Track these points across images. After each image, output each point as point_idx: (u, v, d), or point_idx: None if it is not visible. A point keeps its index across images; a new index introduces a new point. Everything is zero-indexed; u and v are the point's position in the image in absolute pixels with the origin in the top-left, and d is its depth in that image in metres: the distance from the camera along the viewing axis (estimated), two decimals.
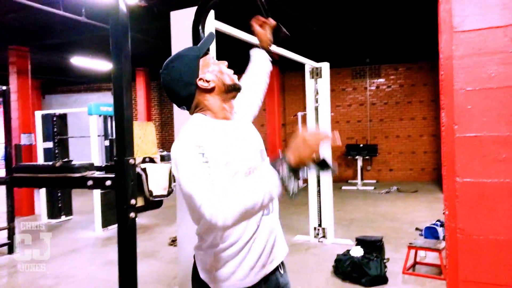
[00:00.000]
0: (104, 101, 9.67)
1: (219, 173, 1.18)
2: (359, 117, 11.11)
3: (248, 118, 1.66)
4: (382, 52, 9.99)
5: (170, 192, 1.76)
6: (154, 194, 1.65)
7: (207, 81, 1.36)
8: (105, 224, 6.15)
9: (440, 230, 4.88)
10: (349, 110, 11.17)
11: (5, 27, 6.88)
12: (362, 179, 10.09)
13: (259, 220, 1.32)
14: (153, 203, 1.70)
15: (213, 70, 1.38)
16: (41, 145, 7.00)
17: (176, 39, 2.38)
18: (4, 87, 5.04)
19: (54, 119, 7.09)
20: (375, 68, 10.93)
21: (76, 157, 7.95)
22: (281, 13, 5.82)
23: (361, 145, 10.38)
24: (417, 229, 5.55)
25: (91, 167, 1.61)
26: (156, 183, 1.66)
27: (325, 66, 5.17)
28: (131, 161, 1.36)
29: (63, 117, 7.27)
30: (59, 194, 7.13)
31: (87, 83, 12.92)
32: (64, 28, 6.58)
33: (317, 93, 5.18)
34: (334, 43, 8.36)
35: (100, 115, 6.37)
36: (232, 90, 1.41)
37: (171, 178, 1.77)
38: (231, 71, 1.42)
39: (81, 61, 8.81)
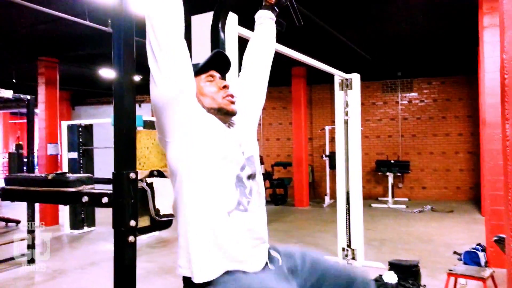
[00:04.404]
0: None
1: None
2: (390, 132, 10.68)
3: (252, 116, 1.56)
4: (414, 65, 9.61)
5: None
6: (161, 213, 1.44)
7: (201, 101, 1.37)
8: None
9: (481, 255, 4.47)
10: (380, 125, 10.77)
11: (35, 38, 6.97)
12: (393, 196, 9.63)
13: (231, 211, 1.23)
14: (160, 224, 1.49)
15: (209, 91, 1.39)
16: (66, 155, 7.00)
17: (196, 43, 2.26)
18: (28, 97, 5.01)
19: (80, 129, 7.09)
20: (407, 82, 10.54)
21: (102, 167, 7.96)
22: (309, 23, 5.62)
23: (392, 161, 9.93)
24: (455, 253, 5.12)
25: (88, 180, 1.42)
26: (164, 200, 1.46)
27: (355, 78, 4.91)
28: (132, 175, 1.16)
29: (88, 128, 7.28)
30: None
31: None
32: (91, 39, 6.59)
33: (346, 105, 4.91)
34: (364, 55, 8.08)
35: None
36: (225, 113, 1.38)
37: None
38: (230, 95, 1.40)
39: (109, 73, 8.86)
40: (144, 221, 1.39)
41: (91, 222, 7.32)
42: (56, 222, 7.78)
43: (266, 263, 1.28)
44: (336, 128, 5.02)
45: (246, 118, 1.49)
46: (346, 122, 4.93)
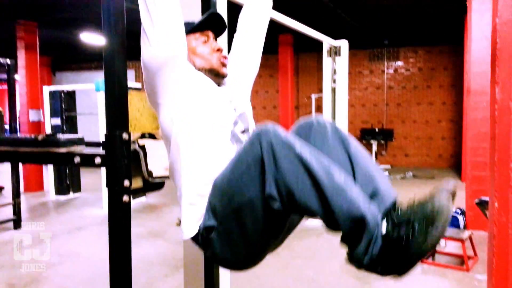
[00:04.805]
0: None
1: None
2: (375, 101, 10.76)
3: (245, 79, 1.55)
4: (401, 34, 9.57)
5: None
6: (154, 175, 1.45)
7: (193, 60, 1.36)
8: None
9: (460, 218, 4.65)
10: (365, 94, 10.82)
11: (13, 0, 6.67)
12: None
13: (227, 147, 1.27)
14: (153, 185, 1.50)
15: (202, 51, 1.37)
16: (49, 122, 6.88)
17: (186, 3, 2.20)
18: (8, 61, 4.85)
19: (62, 95, 6.94)
20: (393, 51, 10.52)
21: (86, 134, 7.85)
22: None
23: (377, 130, 10.07)
24: None
25: (79, 141, 1.40)
26: (156, 162, 1.46)
27: (344, 44, 4.89)
28: (125, 135, 1.15)
29: (71, 94, 7.13)
30: (67, 171, 7.06)
31: (98, 60, 12.73)
32: (73, 2, 6.34)
33: (334, 72, 4.91)
34: (351, 22, 7.99)
35: None
36: (216, 75, 1.37)
37: None
38: (224, 57, 1.39)
39: (91, 38, 8.59)
40: (136, 183, 1.39)
41: (77, 188, 7.30)
42: (41, 188, 7.74)
43: None
44: (324, 95, 5.04)
45: (238, 80, 1.48)
46: (333, 89, 4.95)
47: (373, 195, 1.07)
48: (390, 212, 1.03)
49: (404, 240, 0.95)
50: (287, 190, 1.01)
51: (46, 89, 6.98)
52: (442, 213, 0.94)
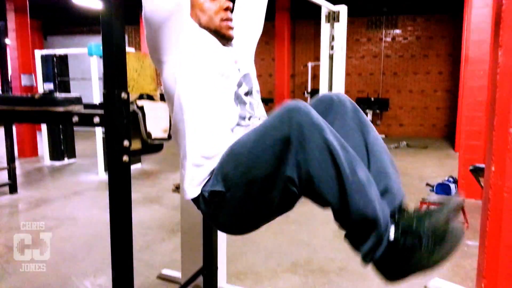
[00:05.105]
0: None
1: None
2: (372, 70, 10.69)
3: (249, 41, 1.51)
4: (400, 1, 9.40)
5: (170, 135, 1.54)
6: (153, 137, 1.44)
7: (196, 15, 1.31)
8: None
9: (452, 186, 4.73)
10: (362, 62, 10.73)
11: None
12: None
13: (233, 128, 1.24)
14: (151, 147, 1.49)
15: (209, 8, 1.31)
16: (42, 87, 6.78)
17: None
18: None
19: (55, 59, 6.81)
20: (392, 19, 10.37)
21: None
22: None
23: (372, 99, 10.06)
24: (427, 184, 5.39)
25: (77, 101, 1.38)
26: (155, 124, 1.45)
27: (343, 10, 4.78)
28: (124, 95, 1.14)
29: (63, 58, 6.99)
30: (61, 136, 7.03)
31: (90, 25, 12.42)
32: None
33: (332, 39, 4.83)
34: None
35: (101, 57, 6.06)
36: (221, 37, 1.33)
37: None
38: (229, 19, 1.34)
39: (83, 0, 8.33)
40: (135, 144, 1.38)
41: (72, 154, 7.29)
42: (36, 154, 7.72)
43: None
44: (321, 62, 4.98)
45: (243, 41, 1.45)
46: (331, 57, 4.89)
47: (384, 191, 1.06)
48: (400, 212, 1.03)
49: (409, 251, 0.94)
50: (308, 175, 0.98)
51: (38, 53, 6.83)
52: (454, 237, 0.94)
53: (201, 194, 1.21)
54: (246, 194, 1.11)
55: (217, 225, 1.32)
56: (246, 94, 1.30)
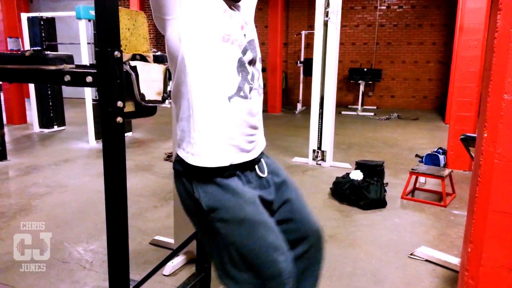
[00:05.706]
0: None
1: None
2: (366, 39, 10.57)
3: (250, 4, 1.42)
4: None
5: (164, 98, 1.52)
6: (146, 99, 1.41)
7: None
8: (99, 136, 6.00)
9: (441, 157, 4.80)
10: (356, 31, 10.59)
11: None
12: (362, 104, 9.87)
13: (231, 97, 1.20)
14: (145, 109, 1.47)
15: None
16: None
17: None
18: None
19: (42, 22, 6.60)
20: None
21: None
22: None
23: (365, 69, 10.00)
24: (417, 155, 5.46)
25: (69, 59, 1.34)
26: (148, 85, 1.42)
27: None
28: (117, 53, 1.10)
29: (51, 22, 6.78)
30: (50, 103, 6.92)
31: None
32: None
33: (327, 5, 4.74)
34: None
35: (89, 20, 5.90)
36: None
37: (167, 82, 1.52)
38: None
39: None
40: (128, 107, 1.36)
41: (61, 122, 7.21)
42: (25, 121, 7.61)
43: (255, 167, 1.31)
44: (316, 29, 4.90)
45: (248, 5, 1.38)
46: (325, 23, 4.81)
47: None
48: None
49: None
50: None
51: (24, 16, 6.62)
52: None
53: (187, 167, 1.22)
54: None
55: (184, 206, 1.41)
56: (250, 62, 1.25)
